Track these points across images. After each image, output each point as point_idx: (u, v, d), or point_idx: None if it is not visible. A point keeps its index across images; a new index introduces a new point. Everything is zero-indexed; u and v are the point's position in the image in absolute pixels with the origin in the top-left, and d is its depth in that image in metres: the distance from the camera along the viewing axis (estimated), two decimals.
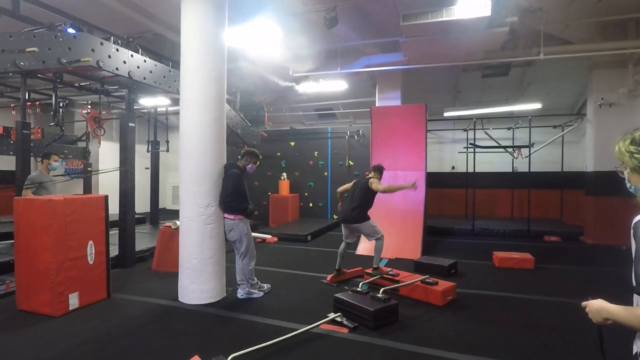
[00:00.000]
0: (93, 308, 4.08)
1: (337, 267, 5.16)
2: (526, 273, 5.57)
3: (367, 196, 5.04)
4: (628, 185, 1.33)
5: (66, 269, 3.86)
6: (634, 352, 1.22)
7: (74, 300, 3.96)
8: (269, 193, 10.97)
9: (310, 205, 11.07)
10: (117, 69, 4.95)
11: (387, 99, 9.17)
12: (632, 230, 1.16)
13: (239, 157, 4.62)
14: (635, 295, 1.20)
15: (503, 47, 7.17)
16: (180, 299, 4.31)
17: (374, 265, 5.02)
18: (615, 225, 7.25)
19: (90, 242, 4.15)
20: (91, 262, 4.15)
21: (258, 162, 4.69)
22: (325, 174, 10.97)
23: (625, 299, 1.16)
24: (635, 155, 1.24)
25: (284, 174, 10.93)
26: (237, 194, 4.24)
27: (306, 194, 11.12)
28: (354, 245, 7.04)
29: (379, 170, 5.27)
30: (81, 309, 4.02)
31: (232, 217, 4.31)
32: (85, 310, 4.00)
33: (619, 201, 6.99)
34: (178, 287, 4.35)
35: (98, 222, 4.26)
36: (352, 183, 5.36)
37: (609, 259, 6.41)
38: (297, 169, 11.19)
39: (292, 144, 11.30)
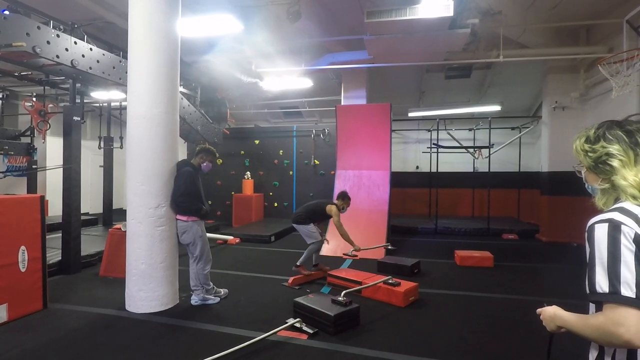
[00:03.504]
0: (25, 321, 3.66)
1: (313, 263, 5.31)
2: (486, 271, 5.66)
3: (317, 212, 5.20)
4: (586, 185, 1.28)
5: None
6: None
7: (2, 313, 3.53)
8: (232, 192, 10.62)
9: (275, 205, 10.83)
10: (57, 56, 4.51)
11: (353, 98, 9.12)
12: (586, 234, 1.10)
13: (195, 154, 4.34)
14: (590, 303, 1.13)
15: (465, 49, 7.30)
16: (127, 307, 3.97)
17: (297, 263, 5.10)
18: (567, 223, 7.59)
19: (23, 247, 3.72)
20: (23, 270, 3.72)
21: (215, 160, 4.42)
22: (291, 173, 10.77)
23: (579, 298, 1.07)
24: (590, 154, 1.19)
25: (248, 173, 10.62)
26: (189, 194, 3.97)
27: (271, 194, 10.87)
28: None
29: (343, 197, 5.33)
30: (11, 322, 3.59)
31: (184, 218, 4.02)
32: (15, 324, 3.58)
33: (571, 200, 7.31)
34: (125, 295, 4.01)
35: (32, 225, 3.83)
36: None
37: (561, 256, 6.68)
38: (262, 168, 10.92)
39: (257, 142, 11.01)
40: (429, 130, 10.37)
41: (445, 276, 5.44)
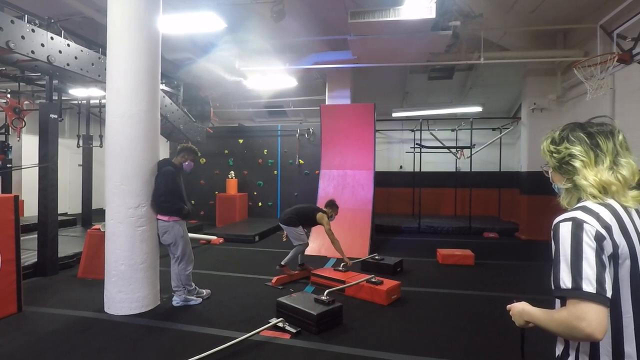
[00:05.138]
0: None
1: (299, 263, 5.29)
2: (467, 269, 5.76)
3: (307, 217, 5.19)
4: (553, 184, 1.33)
5: None
6: (556, 355, 1.22)
7: None
8: (216, 192, 10.51)
9: (260, 204, 10.78)
10: (33, 52, 4.37)
11: (337, 98, 9.15)
12: (551, 232, 1.13)
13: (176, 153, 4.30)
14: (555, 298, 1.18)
15: (447, 50, 7.42)
16: (106, 309, 3.89)
17: (282, 263, 5.07)
18: (546, 222, 7.74)
19: None
20: None
21: (197, 159, 4.36)
22: (275, 172, 10.73)
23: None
24: (554, 155, 1.24)
25: (232, 172, 10.53)
26: (170, 194, 3.92)
27: (255, 193, 10.80)
28: None
29: (332, 206, 5.35)
30: None
31: (166, 218, 3.97)
32: None
33: (549, 199, 7.46)
34: (104, 297, 3.93)
35: (5, 226, 3.71)
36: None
37: (540, 253, 6.85)
38: (246, 168, 10.84)
39: (241, 141, 10.92)
40: (413, 131, 10.50)
41: (428, 274, 5.51)
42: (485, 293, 4.64)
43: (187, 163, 4.24)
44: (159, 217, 3.99)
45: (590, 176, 1.14)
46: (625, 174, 1.12)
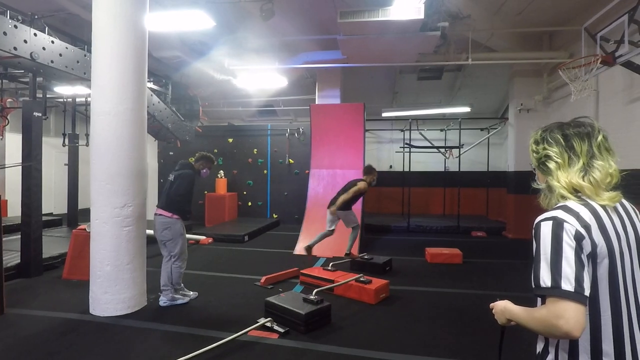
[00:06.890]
0: None
1: (309, 244, 5.85)
2: (455, 268, 5.82)
3: (353, 196, 5.80)
4: (539, 183, 1.33)
5: None
6: (537, 352, 1.23)
7: None
8: (205, 192, 10.41)
9: (249, 204, 10.73)
10: (15, 48, 4.28)
11: (327, 97, 9.16)
12: (533, 231, 1.15)
13: (194, 159, 4.49)
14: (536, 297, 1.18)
15: (436, 51, 7.48)
16: (91, 311, 3.83)
17: (346, 252, 5.86)
18: (532, 221, 7.88)
19: None
20: None
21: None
22: (265, 172, 10.69)
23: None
24: (535, 155, 1.27)
25: (221, 171, 10.45)
26: (185, 195, 4.11)
27: (245, 193, 10.75)
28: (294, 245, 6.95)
29: (371, 171, 6.00)
30: None
31: (169, 215, 4.00)
32: None
33: (535, 199, 7.61)
34: (89, 298, 3.87)
35: None
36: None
37: (526, 252, 6.95)
38: (236, 167, 10.77)
39: (230, 140, 10.85)
40: (402, 130, 10.55)
41: (416, 273, 5.55)
42: (473, 291, 4.70)
43: (205, 170, 4.45)
44: (162, 212, 4.03)
45: (562, 178, 1.16)
46: (597, 176, 1.13)
